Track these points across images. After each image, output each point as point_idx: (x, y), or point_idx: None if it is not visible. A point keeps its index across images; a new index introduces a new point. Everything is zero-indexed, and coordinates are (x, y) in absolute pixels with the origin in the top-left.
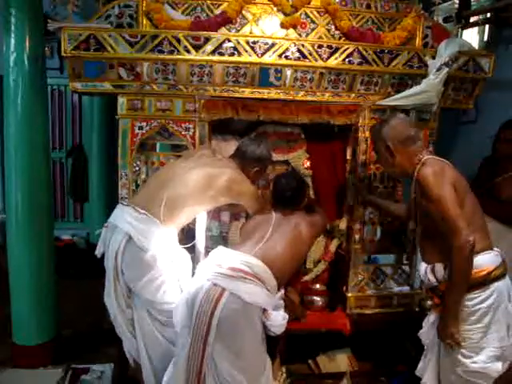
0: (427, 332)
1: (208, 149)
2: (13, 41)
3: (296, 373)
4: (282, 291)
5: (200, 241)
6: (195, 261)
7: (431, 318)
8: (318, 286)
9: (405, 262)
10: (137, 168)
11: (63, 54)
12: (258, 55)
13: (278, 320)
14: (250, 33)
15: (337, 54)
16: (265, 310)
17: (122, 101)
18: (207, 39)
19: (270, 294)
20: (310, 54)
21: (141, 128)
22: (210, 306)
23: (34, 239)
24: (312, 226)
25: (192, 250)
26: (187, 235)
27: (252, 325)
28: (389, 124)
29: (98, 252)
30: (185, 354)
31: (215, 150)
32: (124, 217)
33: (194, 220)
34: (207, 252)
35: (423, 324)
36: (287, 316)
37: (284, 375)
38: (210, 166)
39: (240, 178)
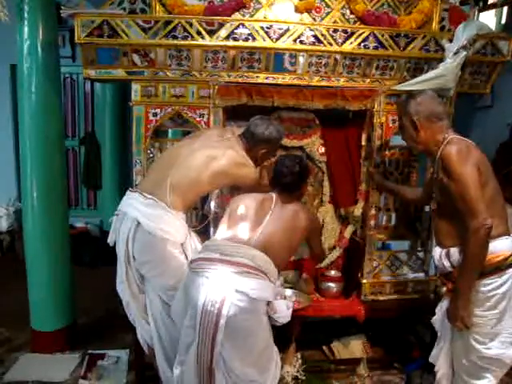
0: (440, 319)
1: (218, 129)
2: (26, 29)
3: (311, 359)
4: (281, 278)
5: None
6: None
7: (444, 305)
8: (332, 272)
9: (419, 248)
10: (151, 155)
11: (77, 40)
12: (272, 40)
13: (284, 310)
14: (264, 17)
15: (352, 39)
16: (269, 303)
17: (135, 87)
18: (221, 24)
19: (273, 285)
20: (325, 39)
21: (155, 115)
22: (215, 306)
23: (49, 226)
24: (308, 219)
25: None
26: (202, 219)
27: (259, 319)
28: (416, 99)
29: (110, 240)
30: (192, 354)
31: (225, 129)
32: (132, 203)
33: (205, 204)
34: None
35: (436, 311)
36: (290, 304)
37: (299, 361)
38: (213, 147)
39: (241, 161)
